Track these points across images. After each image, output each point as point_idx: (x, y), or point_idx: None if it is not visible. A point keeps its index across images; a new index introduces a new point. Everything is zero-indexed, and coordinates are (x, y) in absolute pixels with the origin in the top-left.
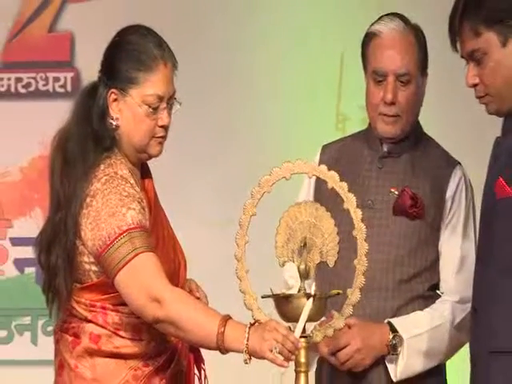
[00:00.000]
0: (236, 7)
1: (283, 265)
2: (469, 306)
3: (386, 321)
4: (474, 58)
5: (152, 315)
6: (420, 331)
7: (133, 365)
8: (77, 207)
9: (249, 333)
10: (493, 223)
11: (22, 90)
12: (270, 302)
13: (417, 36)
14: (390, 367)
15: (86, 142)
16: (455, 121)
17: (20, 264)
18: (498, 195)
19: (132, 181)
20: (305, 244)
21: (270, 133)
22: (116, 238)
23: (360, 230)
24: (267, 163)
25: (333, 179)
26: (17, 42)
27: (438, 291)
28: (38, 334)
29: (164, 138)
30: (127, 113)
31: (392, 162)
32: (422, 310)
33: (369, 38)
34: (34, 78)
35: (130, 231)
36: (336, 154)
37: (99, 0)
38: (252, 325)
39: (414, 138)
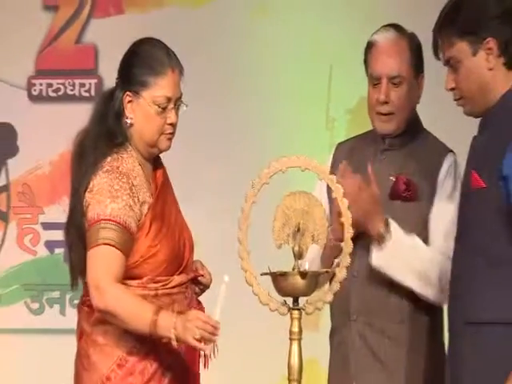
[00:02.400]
0: (239, 22)
1: (280, 247)
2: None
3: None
4: (450, 65)
5: (94, 302)
6: (409, 242)
7: None
8: (83, 192)
9: (175, 322)
10: (467, 209)
11: (53, 94)
12: (268, 278)
13: (410, 43)
14: (374, 251)
15: (99, 139)
16: (450, 120)
17: (50, 245)
18: (472, 185)
19: (133, 173)
20: (298, 229)
21: (269, 132)
22: (94, 223)
23: (346, 217)
24: (266, 158)
25: (323, 172)
26: (48, 53)
27: None
28: (65, 306)
29: (172, 134)
30: (140, 112)
31: (392, 154)
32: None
33: (368, 47)
34: (63, 84)
35: (104, 221)
36: (347, 151)
37: (119, 16)
38: (178, 314)
39: (412, 132)
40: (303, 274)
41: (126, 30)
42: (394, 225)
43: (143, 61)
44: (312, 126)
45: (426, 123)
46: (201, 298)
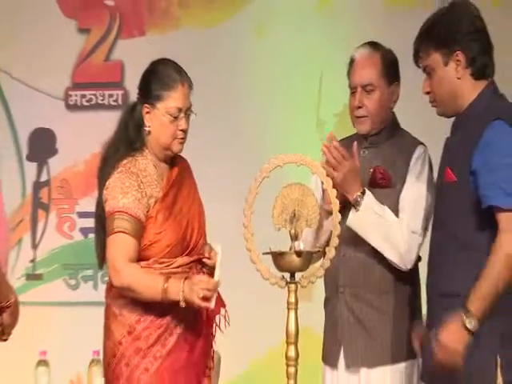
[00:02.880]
0: (243, 39)
1: (279, 230)
2: (415, 237)
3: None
4: (426, 72)
5: (113, 282)
6: (378, 210)
7: (148, 303)
8: (102, 190)
9: (183, 287)
10: (442, 200)
11: (86, 104)
12: (269, 257)
13: (382, 57)
14: (350, 214)
15: (121, 145)
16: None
17: (84, 231)
18: (446, 180)
19: (143, 173)
20: (294, 215)
21: (268, 133)
22: (110, 215)
23: (335, 204)
24: (265, 156)
25: (315, 167)
26: (82, 68)
27: None
28: (98, 283)
29: (183, 138)
30: (156, 121)
31: (372, 150)
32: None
33: (350, 63)
34: (95, 95)
35: (118, 213)
36: None
37: (141, 37)
38: (185, 280)
39: (389, 131)
40: (298, 253)
41: (147, 48)
42: (369, 195)
43: (158, 78)
44: (304, 127)
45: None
46: None
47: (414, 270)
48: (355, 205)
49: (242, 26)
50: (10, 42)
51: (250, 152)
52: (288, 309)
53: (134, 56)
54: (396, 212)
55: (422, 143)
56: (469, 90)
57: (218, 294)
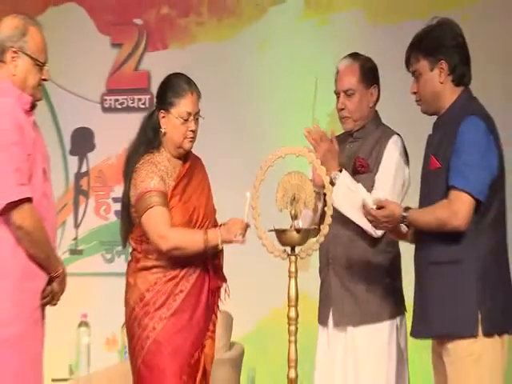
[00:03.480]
0: (249, 51)
1: (281, 211)
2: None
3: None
4: (414, 75)
5: (162, 247)
6: (352, 186)
7: (156, 275)
8: (129, 181)
9: (220, 231)
10: (427, 184)
11: (119, 106)
12: (273, 233)
13: (361, 65)
14: None
15: (140, 146)
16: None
17: (118, 213)
18: (431, 166)
19: (160, 165)
20: (294, 198)
21: (270, 130)
22: (143, 195)
23: (329, 189)
24: (269, 149)
25: (311, 157)
26: (115, 77)
27: None
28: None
29: (193, 138)
30: (170, 124)
31: (356, 144)
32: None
33: (336, 73)
34: (126, 99)
35: (149, 192)
36: None
37: (165, 50)
38: (220, 226)
39: (371, 127)
40: (298, 230)
41: (170, 59)
42: (345, 174)
43: (171, 88)
44: (301, 125)
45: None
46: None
47: (392, 242)
48: (333, 181)
49: (247, 40)
50: (55, 56)
51: (254, 146)
52: (289, 277)
53: (159, 66)
54: (372, 186)
55: (397, 133)
56: (449, 93)
57: (221, 270)
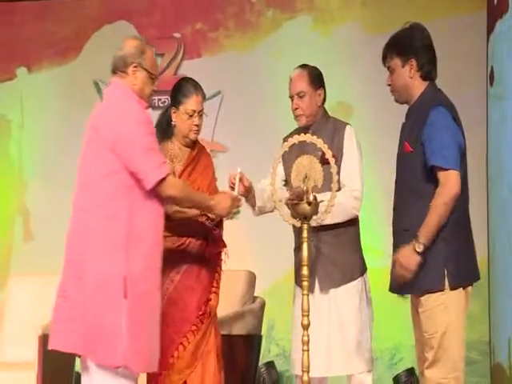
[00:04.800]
0: (266, 59)
1: (296, 187)
2: (357, 193)
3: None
4: (389, 70)
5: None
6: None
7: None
8: None
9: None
10: (402, 165)
11: (161, 104)
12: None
13: (309, 72)
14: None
15: (158, 134)
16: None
17: None
18: (404, 150)
19: (170, 152)
20: (306, 176)
21: (283, 124)
22: None
23: (333, 167)
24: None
25: (319, 142)
26: (159, 80)
27: None
28: None
29: (197, 130)
30: (178, 118)
31: (315, 137)
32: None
33: (289, 81)
34: (167, 98)
35: None
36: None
37: (199, 59)
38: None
39: (322, 121)
40: (309, 203)
41: (203, 66)
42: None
43: (180, 90)
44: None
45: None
46: None
47: (356, 219)
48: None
49: (265, 50)
50: (106, 62)
51: (272, 136)
52: (302, 242)
53: (194, 72)
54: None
55: (348, 124)
56: (417, 86)
57: (220, 238)
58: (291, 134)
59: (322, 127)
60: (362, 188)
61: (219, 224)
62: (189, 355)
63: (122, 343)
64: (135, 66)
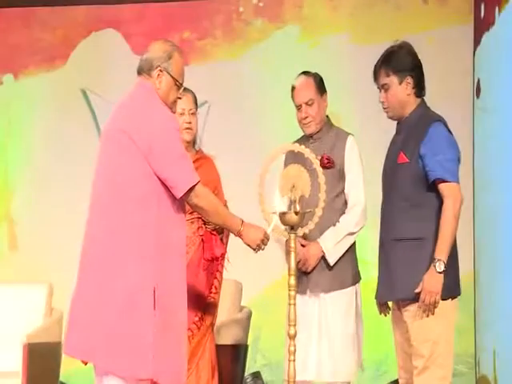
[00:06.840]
0: (257, 66)
1: (283, 196)
2: (362, 208)
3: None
4: (384, 88)
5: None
6: (336, 239)
7: None
8: None
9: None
10: (394, 176)
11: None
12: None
13: (314, 79)
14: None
15: None
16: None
17: None
18: (399, 160)
19: None
20: (293, 186)
21: (271, 132)
22: None
23: (321, 178)
24: (270, 147)
25: (306, 152)
26: None
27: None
28: None
29: (190, 129)
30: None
31: (317, 144)
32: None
33: (292, 89)
34: None
35: None
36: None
37: (186, 67)
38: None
39: (325, 129)
40: (296, 213)
41: (191, 74)
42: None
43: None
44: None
45: None
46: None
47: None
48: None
49: (253, 59)
50: (97, 71)
51: (259, 145)
52: (289, 251)
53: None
54: (337, 181)
55: (351, 134)
56: (411, 103)
57: (219, 241)
58: (297, 142)
59: (323, 135)
60: (365, 201)
61: (220, 230)
62: None
63: (150, 355)
64: (160, 71)
